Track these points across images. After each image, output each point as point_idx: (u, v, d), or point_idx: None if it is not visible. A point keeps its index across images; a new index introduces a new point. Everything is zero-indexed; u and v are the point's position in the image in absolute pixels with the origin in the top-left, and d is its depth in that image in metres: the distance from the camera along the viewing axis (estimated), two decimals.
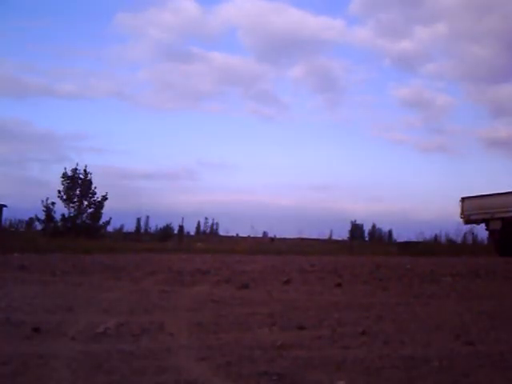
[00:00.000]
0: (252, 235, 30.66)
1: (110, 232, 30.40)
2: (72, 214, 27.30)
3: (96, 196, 27.78)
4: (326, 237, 32.98)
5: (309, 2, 72.60)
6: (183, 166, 68.30)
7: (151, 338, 4.74)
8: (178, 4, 65.34)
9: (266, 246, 23.11)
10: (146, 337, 4.76)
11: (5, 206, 19.24)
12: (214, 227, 47.03)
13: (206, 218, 46.13)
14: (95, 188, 27.83)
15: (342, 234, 30.31)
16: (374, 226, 49.15)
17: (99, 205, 27.72)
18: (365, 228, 47.38)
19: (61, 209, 27.17)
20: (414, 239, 24.95)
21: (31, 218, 28.88)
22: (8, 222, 21.66)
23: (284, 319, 5.71)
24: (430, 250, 21.20)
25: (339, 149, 62.16)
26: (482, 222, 22.84)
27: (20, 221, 28.61)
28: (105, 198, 27.72)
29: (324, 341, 4.71)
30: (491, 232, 22.38)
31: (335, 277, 9.55)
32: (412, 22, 64.50)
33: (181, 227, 31.63)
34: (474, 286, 8.76)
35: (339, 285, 8.56)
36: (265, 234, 38.02)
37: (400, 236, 31.57)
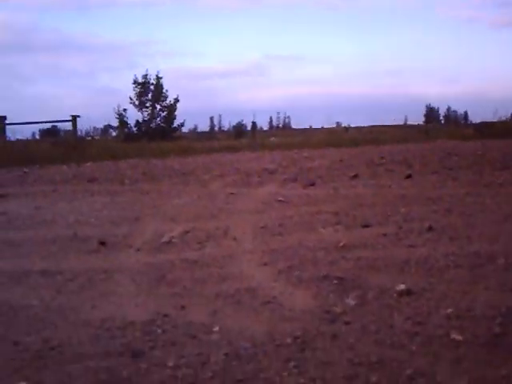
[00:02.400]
0: (325, 126, 30.45)
1: (184, 133, 30.80)
2: (146, 119, 27.78)
3: (168, 99, 28.08)
4: (400, 122, 32.44)
5: None
6: (252, 61, 67.23)
7: (216, 244, 4.80)
8: None
9: (340, 137, 22.79)
10: (211, 243, 4.82)
11: (78, 116, 19.61)
12: (287, 121, 46.87)
13: (278, 113, 45.90)
14: (167, 91, 28.08)
15: (417, 118, 29.69)
16: (448, 109, 47.87)
17: (172, 108, 28.04)
18: (440, 111, 46.24)
19: (133, 115, 27.68)
20: (491, 120, 24.08)
21: (106, 126, 29.48)
22: (83, 132, 22.16)
23: (349, 217, 5.67)
24: (508, 130, 20.41)
25: (409, 32, 59.92)
26: None
27: (95, 129, 29.23)
28: (176, 101, 28.00)
29: (389, 239, 4.65)
30: None
31: (405, 168, 9.37)
32: None
33: (253, 123, 31.64)
34: None
35: (409, 176, 8.39)
36: (338, 124, 37.66)
37: (476, 117, 30.70)
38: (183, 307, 3.20)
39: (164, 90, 28.16)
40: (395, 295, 3.21)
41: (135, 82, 27.90)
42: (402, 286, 3.27)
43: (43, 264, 4.32)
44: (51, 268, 4.19)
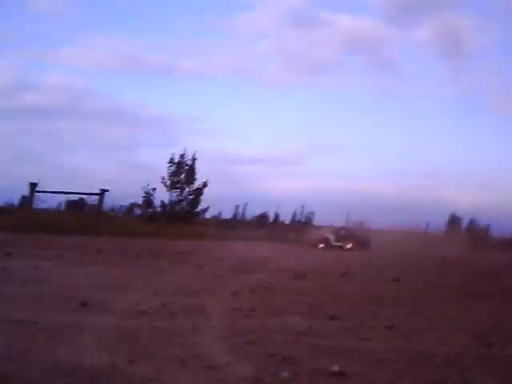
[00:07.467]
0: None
1: (207, 219, 30.72)
2: (173, 201, 27.70)
3: (197, 183, 28.08)
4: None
5: None
6: (292, 149, 63.13)
7: (187, 317, 5.10)
8: None
9: None
10: (182, 316, 5.13)
11: (106, 190, 20.17)
12: (310, 216, 46.49)
13: (303, 207, 45.78)
14: (197, 174, 28.11)
15: None
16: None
17: (198, 192, 27.95)
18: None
19: (161, 194, 27.71)
20: None
21: (132, 204, 29.78)
22: (109, 207, 22.62)
23: None
24: None
25: (457, 127, 54.77)
26: None
27: (121, 206, 29.64)
28: (204, 185, 27.87)
29: None
30: None
31: None
32: None
33: (276, 216, 31.58)
34: None
35: None
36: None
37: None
38: (131, 361, 3.50)
39: (196, 173, 28.12)
40: None
41: (171, 160, 27.92)
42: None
43: (21, 315, 4.66)
44: (27, 318, 4.53)
